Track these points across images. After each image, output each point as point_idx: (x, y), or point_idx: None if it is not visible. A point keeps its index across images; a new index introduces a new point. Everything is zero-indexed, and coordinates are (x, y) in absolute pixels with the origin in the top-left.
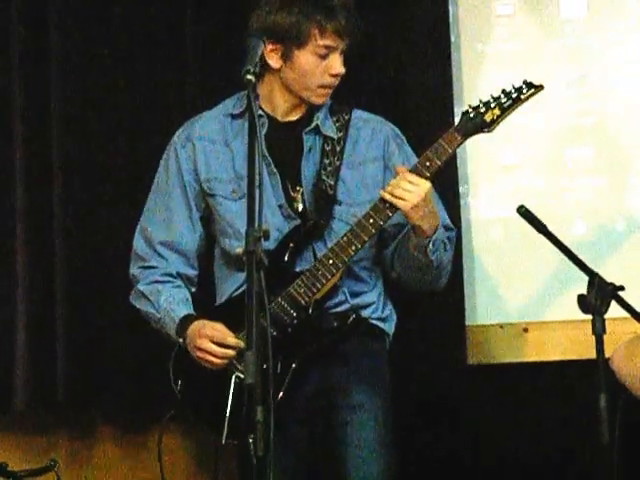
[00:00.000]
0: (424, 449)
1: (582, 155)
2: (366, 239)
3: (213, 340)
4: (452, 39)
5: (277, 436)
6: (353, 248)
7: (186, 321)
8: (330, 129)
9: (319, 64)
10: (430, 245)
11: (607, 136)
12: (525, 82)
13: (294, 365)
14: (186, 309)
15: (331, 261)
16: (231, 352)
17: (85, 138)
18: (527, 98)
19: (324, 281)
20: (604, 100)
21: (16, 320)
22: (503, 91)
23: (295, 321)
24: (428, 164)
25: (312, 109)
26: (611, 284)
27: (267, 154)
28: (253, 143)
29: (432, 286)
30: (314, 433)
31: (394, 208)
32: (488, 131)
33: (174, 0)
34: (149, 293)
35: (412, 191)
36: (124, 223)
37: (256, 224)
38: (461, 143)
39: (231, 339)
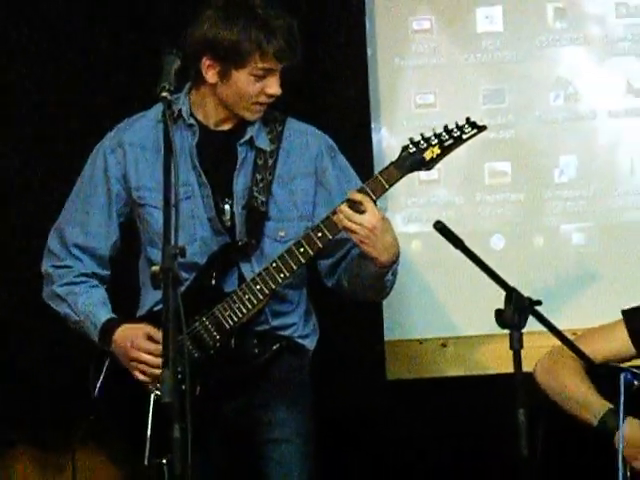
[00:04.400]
0: (344, 465)
1: (500, 169)
2: (295, 268)
3: (150, 352)
4: (369, 53)
5: (197, 455)
6: (282, 276)
7: (109, 326)
8: (263, 141)
9: (256, 84)
10: (389, 275)
11: (524, 150)
12: (468, 121)
13: (213, 389)
14: (106, 312)
15: (258, 286)
16: None
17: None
18: (469, 138)
19: (250, 306)
20: (521, 114)
21: None
22: (445, 128)
23: (218, 344)
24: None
25: (245, 120)
26: (528, 298)
27: (197, 164)
28: (169, 165)
29: (376, 299)
30: (235, 450)
31: (325, 239)
32: (427, 169)
33: None
34: (65, 294)
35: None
36: None
37: (172, 241)
38: (398, 179)
39: None
